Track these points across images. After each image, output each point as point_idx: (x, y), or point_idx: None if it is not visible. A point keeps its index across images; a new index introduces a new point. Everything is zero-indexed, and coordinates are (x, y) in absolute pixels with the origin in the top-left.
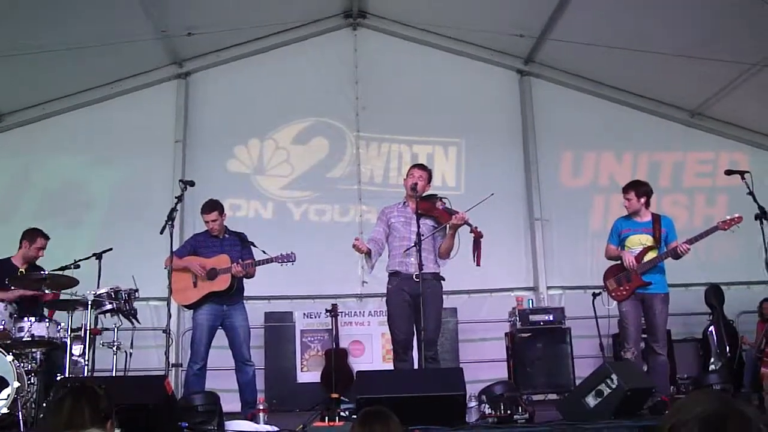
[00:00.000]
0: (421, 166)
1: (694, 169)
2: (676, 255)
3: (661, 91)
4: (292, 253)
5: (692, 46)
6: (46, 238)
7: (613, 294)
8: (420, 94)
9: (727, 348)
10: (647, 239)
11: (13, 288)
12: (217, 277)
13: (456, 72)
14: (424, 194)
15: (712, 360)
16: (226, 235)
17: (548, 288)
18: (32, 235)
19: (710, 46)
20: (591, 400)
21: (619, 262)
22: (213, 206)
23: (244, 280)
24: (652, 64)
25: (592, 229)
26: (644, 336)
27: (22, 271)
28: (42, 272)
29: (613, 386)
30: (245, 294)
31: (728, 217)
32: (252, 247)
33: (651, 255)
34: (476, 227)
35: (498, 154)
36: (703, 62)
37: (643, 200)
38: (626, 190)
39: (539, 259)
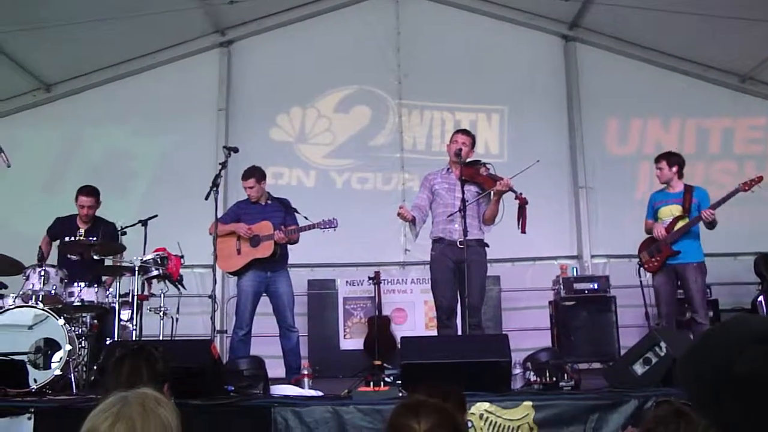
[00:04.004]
0: (465, 132)
1: (745, 136)
2: (708, 223)
3: (711, 55)
4: (334, 218)
5: (743, 7)
6: (88, 194)
7: (646, 266)
8: (462, 60)
9: None
10: (677, 209)
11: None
12: (260, 244)
13: (499, 38)
14: (467, 160)
15: None
16: (269, 202)
17: (592, 256)
18: (76, 194)
19: (762, 8)
20: (638, 368)
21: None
22: (251, 173)
23: (288, 247)
24: (701, 27)
25: (638, 197)
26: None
27: (80, 234)
28: (91, 238)
29: (662, 354)
30: (289, 261)
31: (748, 179)
32: (295, 213)
33: (681, 225)
34: (521, 193)
35: (542, 121)
36: (755, 25)
37: (674, 170)
38: (658, 160)
39: (583, 228)
